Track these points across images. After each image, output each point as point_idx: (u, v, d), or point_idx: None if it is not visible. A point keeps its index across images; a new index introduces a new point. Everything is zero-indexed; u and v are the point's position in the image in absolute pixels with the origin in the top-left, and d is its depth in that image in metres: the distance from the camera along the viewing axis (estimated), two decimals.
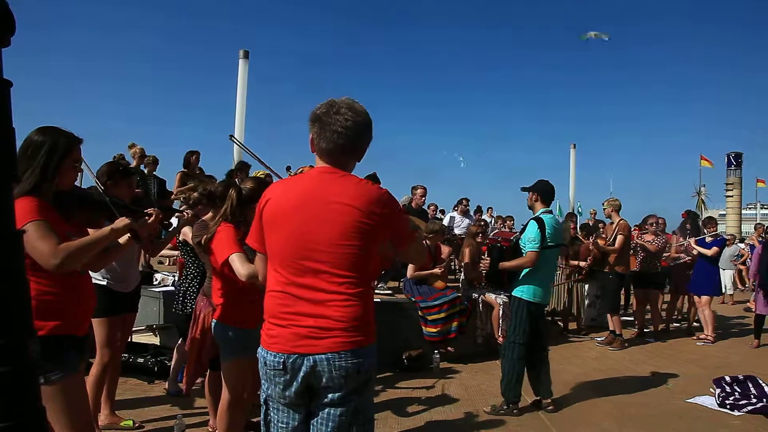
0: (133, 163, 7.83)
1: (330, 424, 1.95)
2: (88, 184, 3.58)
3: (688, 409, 4.98)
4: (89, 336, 2.83)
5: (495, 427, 4.43)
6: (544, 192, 4.87)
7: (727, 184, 57.64)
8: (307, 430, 2.03)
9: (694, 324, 9.05)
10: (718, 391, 5.19)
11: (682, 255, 8.93)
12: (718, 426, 4.57)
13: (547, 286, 4.83)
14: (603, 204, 8.16)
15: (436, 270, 6.60)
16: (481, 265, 5.48)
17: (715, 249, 8.15)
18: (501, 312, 6.51)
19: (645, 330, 8.55)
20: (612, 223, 7.89)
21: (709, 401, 5.13)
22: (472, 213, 12.48)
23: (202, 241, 3.29)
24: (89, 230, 2.50)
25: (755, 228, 14.35)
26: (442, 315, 6.25)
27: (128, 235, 2.57)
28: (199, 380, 4.05)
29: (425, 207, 9.66)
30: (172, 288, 6.36)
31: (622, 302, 9.63)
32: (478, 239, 7.31)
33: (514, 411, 4.69)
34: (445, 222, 10.15)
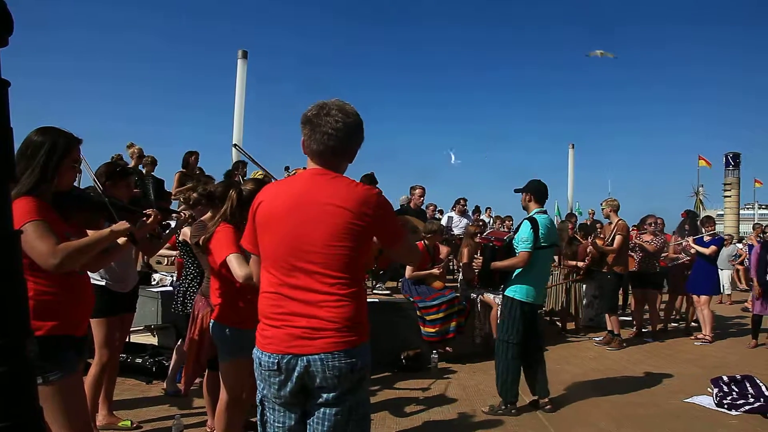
0: (131, 163, 7.83)
1: (326, 423, 1.97)
2: (87, 184, 3.57)
3: (686, 409, 4.98)
4: (88, 336, 2.83)
5: (493, 427, 4.44)
6: (536, 192, 4.87)
7: (725, 184, 57.77)
8: (303, 429, 2.04)
9: (692, 324, 9.06)
10: (715, 390, 5.20)
11: (681, 255, 8.94)
12: (715, 426, 4.58)
13: (540, 286, 4.82)
14: (601, 204, 8.16)
15: (435, 270, 6.60)
16: (473, 264, 5.49)
17: (713, 248, 8.15)
18: (499, 312, 6.51)
19: (643, 330, 8.56)
20: (610, 223, 7.89)
21: (706, 401, 5.14)
22: (470, 213, 12.49)
23: (200, 242, 3.30)
24: (88, 231, 2.50)
25: (753, 228, 14.37)
26: (441, 315, 6.26)
27: (125, 237, 2.57)
28: (197, 380, 4.05)
29: (424, 207, 9.66)
30: (171, 288, 6.36)
31: (620, 302, 9.64)
32: (477, 239, 7.31)
33: (512, 411, 4.69)
34: (444, 222, 10.15)
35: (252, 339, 2.11)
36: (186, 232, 4.04)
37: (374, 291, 7.10)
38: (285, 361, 1.95)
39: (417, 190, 8.62)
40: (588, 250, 8.17)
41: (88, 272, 2.66)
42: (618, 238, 7.57)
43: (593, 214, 14.89)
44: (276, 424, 2.06)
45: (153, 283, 6.92)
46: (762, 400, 4.93)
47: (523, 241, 4.65)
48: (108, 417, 4.05)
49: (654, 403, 5.14)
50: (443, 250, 7.34)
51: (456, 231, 10.30)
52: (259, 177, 5.28)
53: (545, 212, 4.87)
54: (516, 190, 5.00)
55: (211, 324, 3.28)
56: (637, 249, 8.57)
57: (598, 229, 9.04)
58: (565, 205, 16.66)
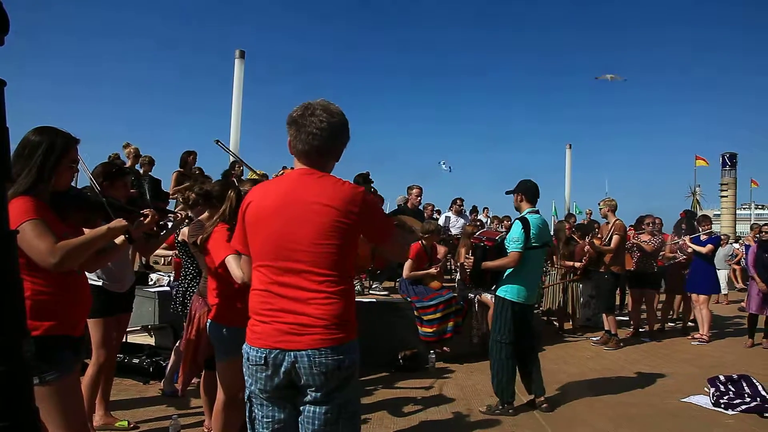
0: (128, 163, 7.81)
1: (316, 422, 1.99)
2: (84, 184, 3.57)
3: (683, 409, 4.99)
4: (85, 336, 2.83)
5: (490, 427, 4.44)
6: (527, 192, 4.88)
7: (721, 184, 57.88)
8: (291, 423, 2.07)
9: (689, 324, 9.08)
10: (712, 390, 5.21)
11: (677, 254, 8.96)
12: (712, 425, 4.59)
13: (531, 286, 4.81)
14: (599, 204, 8.16)
15: (432, 270, 6.61)
16: (465, 264, 5.49)
17: (710, 247, 8.16)
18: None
19: (640, 330, 8.58)
20: (608, 223, 7.90)
21: (703, 400, 5.15)
22: (467, 213, 12.49)
23: (198, 242, 3.29)
24: (85, 231, 2.50)
25: (751, 228, 14.41)
26: (438, 315, 6.26)
27: (123, 236, 2.57)
28: (194, 380, 4.05)
29: (421, 207, 9.66)
30: (168, 288, 6.36)
31: (618, 302, 9.66)
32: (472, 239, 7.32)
33: (510, 411, 4.69)
34: (441, 222, 10.15)
35: None
36: (185, 232, 4.04)
37: (371, 291, 7.10)
38: (272, 356, 1.98)
39: (414, 190, 8.62)
40: (585, 249, 8.18)
41: (85, 272, 2.65)
42: (615, 237, 7.58)
43: (590, 214, 14.90)
44: (265, 420, 2.08)
45: (150, 283, 6.92)
46: (758, 399, 4.95)
47: (513, 241, 4.65)
48: (105, 417, 4.04)
49: (651, 402, 5.15)
50: (441, 250, 7.34)
51: (453, 231, 10.30)
52: (257, 177, 5.28)
53: (537, 212, 4.87)
54: (507, 192, 5.02)
55: (208, 324, 3.28)
56: (634, 249, 8.60)
57: (596, 229, 9.05)
58: (563, 205, 16.71)
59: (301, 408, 2.03)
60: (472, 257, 5.15)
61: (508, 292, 4.72)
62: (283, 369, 1.97)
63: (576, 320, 8.81)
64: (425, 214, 10.00)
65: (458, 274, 7.65)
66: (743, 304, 10.41)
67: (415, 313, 6.35)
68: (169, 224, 4.20)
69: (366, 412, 4.57)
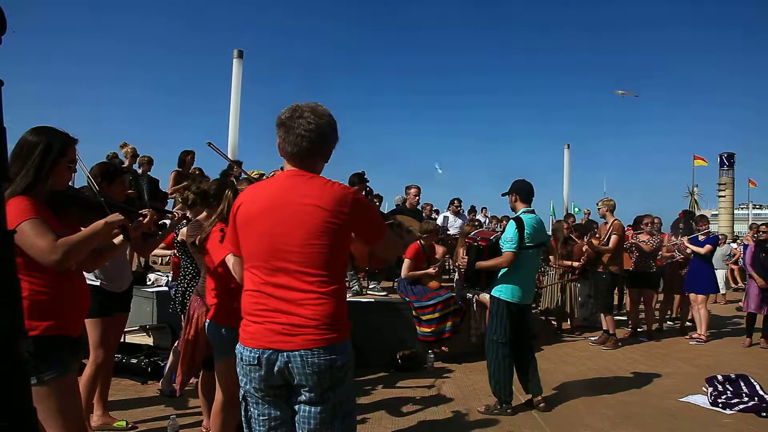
0: (126, 163, 7.81)
1: (312, 421, 2.01)
2: (81, 184, 3.56)
3: (681, 408, 5.00)
4: (83, 336, 2.82)
5: (489, 427, 4.44)
6: (521, 191, 4.88)
7: (719, 184, 57.99)
8: (286, 421, 2.09)
9: (687, 323, 9.09)
10: (710, 390, 5.22)
11: (675, 253, 8.96)
12: (710, 424, 4.60)
13: (526, 286, 4.80)
14: (597, 204, 8.17)
15: (431, 270, 6.61)
16: (459, 263, 5.50)
17: (708, 247, 8.17)
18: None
19: (638, 329, 8.59)
20: (606, 223, 7.91)
21: (701, 400, 5.16)
22: (466, 213, 12.50)
23: (197, 241, 3.29)
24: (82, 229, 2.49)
25: (750, 228, 14.44)
26: (436, 315, 6.26)
27: (121, 235, 2.57)
28: (193, 380, 4.04)
29: (420, 207, 9.67)
30: (166, 288, 6.35)
31: (616, 302, 9.66)
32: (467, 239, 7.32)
33: (508, 411, 4.69)
34: (439, 222, 10.17)
35: None
36: (184, 231, 4.03)
37: (370, 291, 7.10)
38: (265, 356, 1.99)
39: (412, 190, 8.63)
40: (584, 249, 8.18)
41: (83, 273, 2.65)
42: (614, 237, 7.59)
43: (589, 213, 14.93)
44: (261, 418, 2.10)
45: (148, 283, 6.91)
46: (756, 399, 4.95)
47: (507, 241, 4.66)
48: (103, 417, 4.04)
49: (649, 402, 5.15)
50: (439, 249, 7.35)
51: (451, 231, 10.31)
52: (255, 176, 5.27)
53: (533, 212, 4.87)
54: (503, 194, 5.01)
55: (207, 324, 3.27)
56: (633, 249, 8.61)
57: (594, 229, 9.06)
58: (561, 205, 16.70)
59: (296, 408, 2.05)
60: (466, 257, 5.16)
61: (502, 292, 4.73)
62: (276, 369, 1.99)
63: (574, 320, 8.82)
64: (423, 214, 10.01)
65: (456, 273, 7.65)
66: (741, 303, 10.43)
67: (414, 313, 6.36)
68: (167, 224, 4.20)
69: (364, 412, 4.57)
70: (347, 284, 6.99)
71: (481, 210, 15.27)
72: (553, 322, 8.83)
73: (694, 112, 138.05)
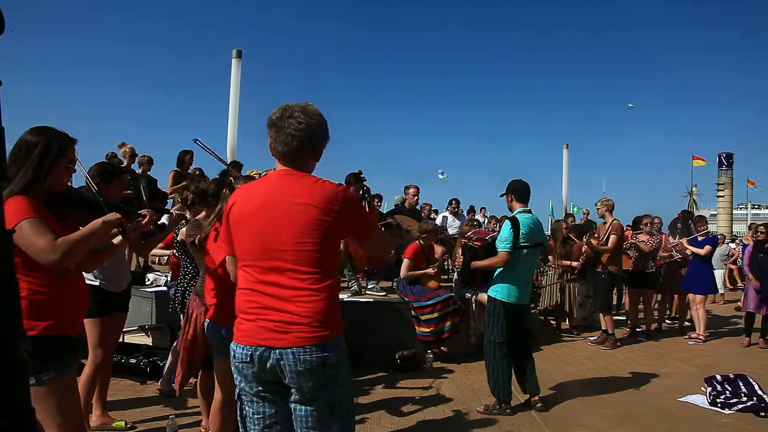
0: (124, 163, 7.80)
1: (310, 419, 2.03)
2: (79, 184, 3.55)
3: (680, 408, 5.00)
4: (82, 336, 2.82)
5: (488, 427, 4.44)
6: (517, 191, 4.88)
7: (718, 184, 58.00)
8: (282, 419, 2.11)
9: (686, 323, 9.10)
10: (709, 389, 5.22)
11: (672, 252, 8.95)
12: (709, 424, 4.60)
13: (523, 286, 4.79)
14: (596, 204, 8.18)
15: (429, 270, 6.61)
16: (456, 263, 5.50)
17: (707, 248, 8.17)
18: None
19: (637, 329, 8.59)
20: (605, 222, 7.91)
21: (700, 400, 5.16)
22: (465, 213, 12.51)
23: (196, 241, 3.28)
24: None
25: (749, 228, 14.45)
26: (435, 315, 6.26)
27: (119, 236, 2.57)
28: (192, 380, 4.04)
29: (419, 207, 9.67)
30: (165, 288, 6.34)
31: (615, 302, 9.67)
32: (462, 239, 7.31)
33: (507, 410, 4.70)
34: (438, 222, 10.17)
35: None
36: (184, 231, 4.03)
37: (369, 291, 7.09)
38: (258, 353, 2.01)
39: (411, 190, 8.63)
40: (583, 249, 8.19)
41: (82, 272, 2.64)
42: (613, 237, 7.59)
43: (588, 213, 14.92)
44: (256, 416, 2.12)
45: (147, 283, 6.91)
46: (755, 399, 4.96)
47: (502, 240, 4.67)
48: (102, 417, 4.03)
49: (648, 402, 5.16)
50: (438, 249, 7.35)
51: (450, 231, 10.32)
52: (254, 175, 5.26)
53: (529, 212, 4.87)
54: (501, 195, 5.01)
55: (206, 324, 3.27)
56: (632, 249, 8.61)
57: (593, 229, 9.06)
58: (560, 205, 16.70)
59: (292, 407, 2.07)
60: (461, 257, 5.17)
61: (498, 292, 4.74)
62: (269, 366, 2.00)
63: (573, 320, 8.82)
64: (422, 214, 10.02)
65: (455, 273, 7.65)
66: (740, 303, 10.44)
67: (413, 312, 6.35)
68: (165, 224, 4.19)
69: (364, 412, 4.57)
70: (347, 284, 7.00)
71: (480, 210, 15.28)
72: (552, 322, 8.83)
73: (693, 112, 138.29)
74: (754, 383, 5.21)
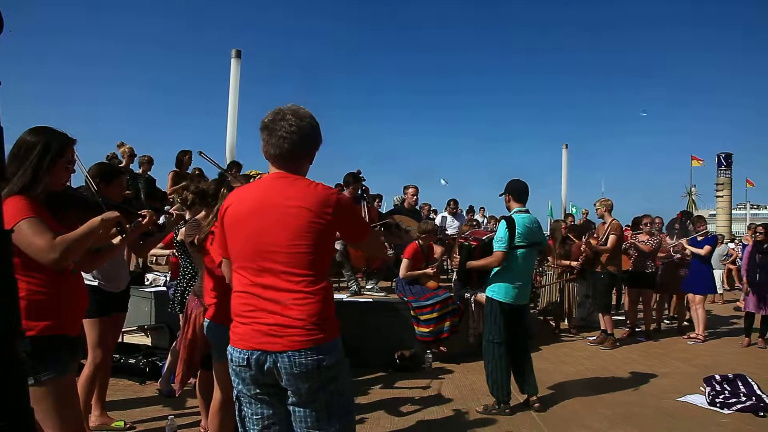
0: (123, 163, 7.79)
1: (309, 419, 2.06)
2: (78, 184, 3.55)
3: (679, 408, 5.00)
4: (81, 336, 2.82)
5: (487, 427, 4.44)
6: (514, 191, 4.89)
7: (717, 184, 58.08)
8: (281, 420, 2.13)
9: (685, 323, 9.10)
10: (708, 389, 5.23)
11: (670, 252, 8.95)
12: (708, 424, 4.60)
13: (520, 286, 4.76)
14: (595, 204, 8.18)
15: (429, 270, 6.60)
16: (453, 262, 5.50)
17: (707, 248, 8.18)
18: None
19: (636, 329, 8.60)
20: (604, 223, 7.91)
21: (699, 400, 5.16)
22: (464, 213, 12.52)
23: (195, 241, 3.28)
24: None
25: (748, 228, 14.46)
26: (435, 315, 6.26)
27: (119, 236, 2.57)
28: (191, 380, 4.04)
29: (418, 207, 9.67)
30: (164, 288, 6.34)
31: (614, 302, 9.67)
32: (459, 239, 7.32)
33: (506, 411, 4.70)
34: (437, 222, 10.18)
35: None
36: (184, 231, 4.03)
37: (368, 291, 7.09)
38: (254, 357, 2.02)
39: (410, 190, 8.63)
40: (582, 249, 8.19)
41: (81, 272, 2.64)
42: (612, 237, 7.60)
43: (587, 213, 14.92)
44: (254, 417, 2.14)
45: (146, 283, 6.90)
46: (754, 398, 4.96)
47: (498, 240, 4.68)
48: (101, 417, 4.03)
49: (647, 402, 5.16)
50: (437, 250, 7.35)
51: (449, 231, 10.33)
52: (253, 175, 5.26)
53: (527, 211, 4.87)
54: (500, 195, 5.02)
55: (205, 324, 3.27)
56: (632, 249, 8.61)
57: (592, 229, 9.06)
58: (559, 205, 16.71)
59: (290, 408, 2.08)
60: (458, 256, 5.18)
61: (495, 292, 4.74)
62: (265, 369, 2.02)
63: (572, 320, 8.83)
64: (422, 214, 10.02)
65: (454, 274, 7.65)
66: (739, 303, 10.45)
67: (412, 312, 6.35)
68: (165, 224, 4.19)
69: (363, 412, 4.57)
70: (346, 284, 7.00)
71: (479, 210, 15.30)
72: (551, 322, 8.83)
73: (693, 112, 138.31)
74: (753, 383, 5.21)
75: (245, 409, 2.17)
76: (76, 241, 2.21)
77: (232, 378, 2.16)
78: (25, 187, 2.24)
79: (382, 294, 7.01)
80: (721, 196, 57.29)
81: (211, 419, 3.31)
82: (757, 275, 7.74)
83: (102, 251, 2.80)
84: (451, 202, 11.03)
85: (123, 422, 4.08)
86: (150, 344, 6.03)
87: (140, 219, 2.90)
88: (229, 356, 2.12)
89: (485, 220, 13.95)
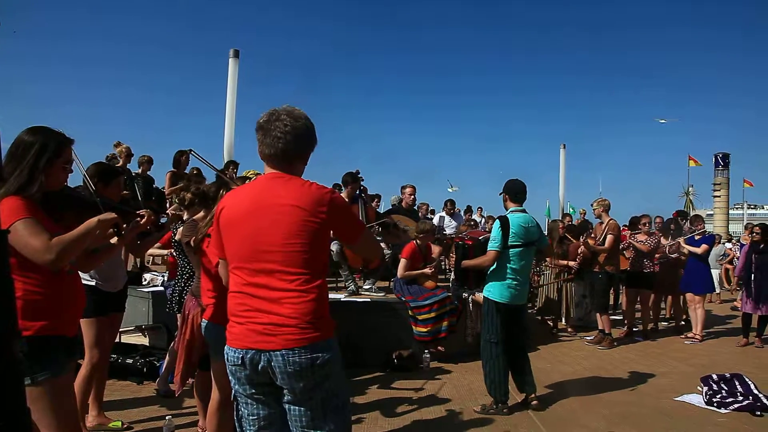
0: (120, 162, 7.76)
1: (304, 418, 2.07)
2: (75, 184, 3.54)
3: (677, 407, 5.01)
4: (78, 336, 2.81)
5: (485, 426, 4.44)
6: (510, 191, 4.90)
7: (714, 184, 58.26)
8: (277, 419, 2.14)
9: (682, 323, 9.11)
10: (705, 389, 5.24)
11: (666, 252, 8.96)
12: (705, 423, 4.61)
13: (516, 286, 4.75)
14: (592, 204, 8.20)
15: (427, 270, 6.60)
16: (450, 263, 5.51)
17: (704, 246, 8.20)
18: None
19: (634, 329, 8.61)
20: (602, 222, 7.93)
21: (696, 399, 5.17)
22: (462, 213, 12.54)
23: (192, 242, 3.28)
24: None
25: (745, 228, 14.50)
26: (433, 315, 6.26)
27: (116, 236, 2.56)
28: (189, 380, 4.04)
29: (416, 207, 9.68)
30: (161, 288, 6.33)
31: (611, 301, 9.68)
32: (456, 238, 7.32)
33: (504, 410, 4.70)
34: (435, 222, 10.18)
35: None
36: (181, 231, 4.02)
37: (365, 291, 7.09)
38: (249, 356, 2.04)
39: (407, 189, 8.63)
40: (579, 250, 8.20)
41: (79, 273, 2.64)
42: (609, 237, 7.61)
43: (584, 213, 14.96)
44: (251, 417, 2.16)
45: (144, 282, 6.89)
46: (750, 398, 4.97)
47: (491, 240, 4.71)
48: (98, 417, 4.03)
49: (645, 401, 5.17)
50: (435, 249, 7.34)
51: (447, 231, 10.33)
52: (250, 176, 5.26)
53: (523, 211, 4.88)
54: (499, 194, 5.03)
55: (203, 324, 3.27)
56: (630, 248, 8.62)
57: (590, 229, 9.07)
58: (557, 204, 16.76)
59: (286, 407, 2.10)
60: (453, 256, 5.19)
61: (491, 292, 4.76)
62: (260, 368, 2.03)
63: (570, 320, 8.84)
64: (420, 214, 10.02)
65: (452, 273, 7.65)
66: (736, 303, 10.47)
67: (410, 312, 6.35)
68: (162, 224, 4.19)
69: (360, 412, 4.57)
70: (344, 284, 7.00)
71: (477, 210, 15.33)
72: (548, 322, 8.84)
73: (692, 112, 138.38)
74: (750, 382, 5.22)
75: (242, 409, 2.18)
76: (72, 242, 2.21)
77: (229, 377, 2.18)
78: (22, 187, 2.24)
79: (380, 294, 7.00)
80: (719, 196, 57.48)
81: (209, 419, 3.31)
82: (753, 275, 7.76)
83: (99, 251, 2.79)
84: (448, 203, 11.04)
85: (120, 422, 4.07)
86: (147, 344, 6.02)
87: (138, 219, 2.89)
88: (225, 356, 2.13)
89: (483, 220, 13.97)
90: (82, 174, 2.92)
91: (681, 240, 8.55)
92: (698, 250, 8.15)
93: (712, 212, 57.94)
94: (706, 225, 9.35)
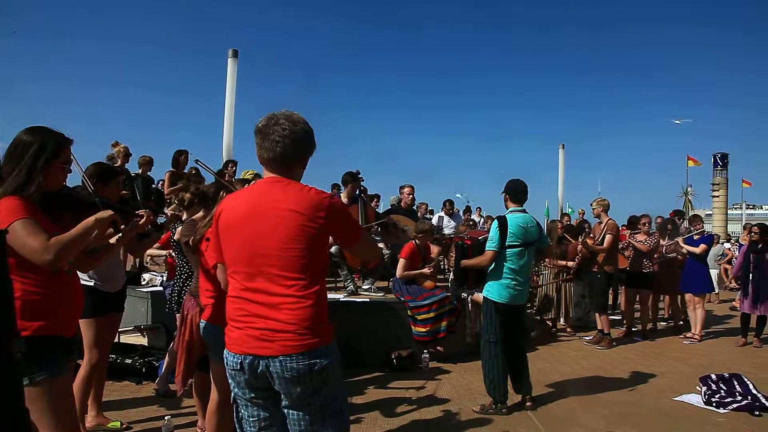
0: (118, 162, 7.74)
1: (302, 423, 2.08)
2: (74, 183, 3.54)
3: (675, 407, 5.02)
4: (77, 337, 2.81)
5: (484, 426, 4.45)
6: (510, 191, 4.91)
7: (713, 184, 58.33)
8: (277, 422, 2.15)
9: (680, 323, 9.12)
10: (704, 389, 5.24)
11: (663, 252, 8.96)
12: (704, 423, 4.62)
13: (514, 286, 4.74)
14: (591, 204, 8.20)
15: (426, 270, 6.60)
16: (450, 263, 5.51)
17: (703, 246, 8.20)
18: None
19: (633, 329, 8.61)
20: (600, 222, 7.93)
21: (695, 399, 5.18)
22: (461, 213, 12.54)
23: (190, 242, 3.28)
24: None
25: (744, 228, 14.51)
26: (432, 315, 6.26)
27: (115, 236, 2.56)
28: (188, 380, 4.03)
29: (415, 207, 9.68)
30: (160, 288, 6.33)
31: (610, 301, 9.68)
32: (454, 238, 7.33)
33: (503, 410, 4.70)
34: (434, 222, 10.19)
35: None
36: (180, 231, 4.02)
37: (364, 291, 7.08)
38: (247, 361, 2.04)
39: (406, 189, 8.63)
40: (578, 249, 8.20)
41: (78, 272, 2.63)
42: (608, 237, 7.61)
43: (583, 213, 14.98)
44: (251, 419, 2.17)
45: (143, 283, 6.89)
46: (749, 398, 4.98)
47: (489, 239, 4.72)
48: (97, 418, 4.03)
49: (644, 401, 5.17)
50: (434, 249, 7.34)
51: (446, 231, 10.34)
52: (249, 177, 5.26)
53: (523, 211, 4.88)
54: (501, 194, 5.03)
55: (202, 324, 3.27)
56: (629, 248, 8.62)
57: (587, 229, 9.07)
58: (556, 204, 16.78)
59: (284, 411, 2.10)
60: (452, 255, 5.20)
61: (490, 292, 4.76)
62: (258, 373, 2.03)
63: (569, 320, 8.84)
64: (418, 214, 10.01)
65: (451, 273, 7.65)
66: (735, 303, 10.47)
67: (409, 312, 6.35)
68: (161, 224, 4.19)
69: (359, 412, 4.57)
70: (343, 284, 6.99)
71: (476, 210, 15.34)
72: (548, 322, 8.84)
73: (692, 112, 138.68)
74: (748, 382, 5.23)
75: (242, 411, 2.19)
76: (70, 242, 2.21)
77: (229, 381, 2.18)
78: (20, 187, 2.23)
79: (379, 294, 7.00)
80: (717, 196, 57.55)
81: (209, 420, 3.30)
82: (751, 275, 7.77)
83: (98, 252, 2.79)
84: (447, 203, 11.05)
85: (119, 422, 4.07)
86: (147, 344, 6.02)
87: (137, 219, 2.89)
88: (225, 360, 2.14)
89: (482, 220, 13.97)
90: (81, 174, 2.92)
91: (679, 240, 8.55)
92: (697, 250, 8.16)
93: (710, 212, 57.99)
94: (704, 225, 9.36)
